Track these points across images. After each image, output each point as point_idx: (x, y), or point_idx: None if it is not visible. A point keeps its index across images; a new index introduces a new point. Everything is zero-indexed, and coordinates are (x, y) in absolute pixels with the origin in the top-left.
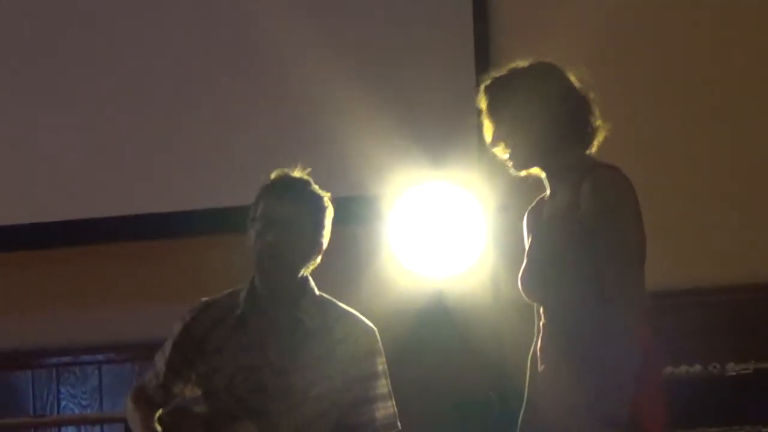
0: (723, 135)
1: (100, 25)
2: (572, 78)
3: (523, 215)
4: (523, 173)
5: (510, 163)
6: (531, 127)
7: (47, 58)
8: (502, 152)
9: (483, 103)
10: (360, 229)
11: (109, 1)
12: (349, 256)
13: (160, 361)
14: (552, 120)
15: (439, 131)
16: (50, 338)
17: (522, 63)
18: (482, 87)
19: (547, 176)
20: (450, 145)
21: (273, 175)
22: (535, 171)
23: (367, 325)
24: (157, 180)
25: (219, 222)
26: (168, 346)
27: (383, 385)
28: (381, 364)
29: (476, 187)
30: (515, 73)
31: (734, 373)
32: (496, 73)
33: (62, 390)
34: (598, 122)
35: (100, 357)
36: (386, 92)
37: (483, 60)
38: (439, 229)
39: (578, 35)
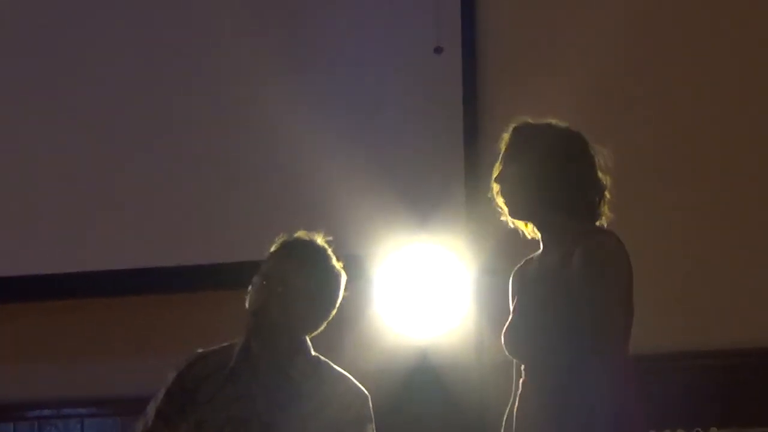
0: (712, 199)
1: (90, 74)
2: (601, 159)
3: (509, 278)
4: (514, 224)
5: (505, 209)
6: (540, 178)
7: (39, 106)
8: (500, 195)
9: (504, 142)
10: (346, 288)
11: (106, 52)
12: (335, 315)
13: (152, 408)
14: (562, 182)
15: (427, 193)
16: (33, 391)
17: (561, 123)
18: (512, 126)
19: (542, 236)
20: (437, 208)
21: (295, 236)
22: (526, 227)
23: (360, 389)
24: (144, 236)
25: (206, 279)
26: (161, 394)
27: None
28: (371, 431)
29: (462, 250)
30: (549, 127)
31: None
32: (530, 120)
33: None
34: (606, 208)
35: (82, 411)
36: (375, 153)
37: (471, 123)
38: (425, 290)
39: (566, 99)
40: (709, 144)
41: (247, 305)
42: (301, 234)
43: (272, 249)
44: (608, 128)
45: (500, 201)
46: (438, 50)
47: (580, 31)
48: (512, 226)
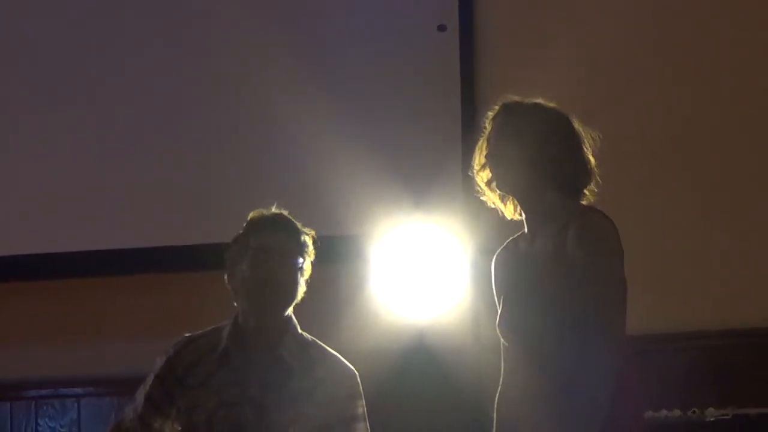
0: (708, 182)
1: (82, 61)
2: (587, 138)
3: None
4: (495, 203)
5: (484, 187)
6: (536, 157)
7: (33, 91)
8: (488, 170)
9: (491, 119)
10: (342, 268)
11: (99, 44)
12: (331, 295)
13: (141, 394)
14: (557, 162)
15: (423, 172)
16: (30, 370)
17: (549, 103)
18: (502, 104)
19: (528, 218)
20: (434, 187)
21: (255, 213)
22: (506, 207)
23: (348, 367)
24: (139, 215)
25: (201, 259)
26: (150, 380)
27: (363, 429)
28: (361, 407)
29: (459, 229)
30: (540, 106)
31: (713, 419)
32: (518, 99)
33: (41, 422)
34: (591, 186)
35: (78, 390)
36: (371, 132)
37: (468, 102)
38: (421, 270)
39: (564, 79)
40: (708, 125)
41: (242, 276)
42: (265, 210)
43: (252, 224)
44: (606, 109)
45: (482, 177)
46: (442, 28)
47: (580, 10)
48: (492, 205)
